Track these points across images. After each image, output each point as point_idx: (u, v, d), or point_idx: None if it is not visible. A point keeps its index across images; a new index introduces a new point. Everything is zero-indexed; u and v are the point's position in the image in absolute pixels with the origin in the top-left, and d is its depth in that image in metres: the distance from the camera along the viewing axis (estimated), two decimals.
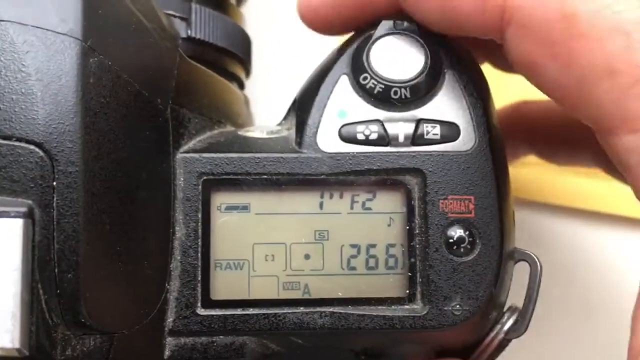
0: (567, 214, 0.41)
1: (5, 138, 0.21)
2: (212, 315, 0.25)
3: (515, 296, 0.27)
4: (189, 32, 0.30)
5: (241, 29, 0.34)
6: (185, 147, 0.26)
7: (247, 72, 0.36)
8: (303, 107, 0.27)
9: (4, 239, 0.20)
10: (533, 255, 0.27)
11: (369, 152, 0.26)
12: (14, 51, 0.21)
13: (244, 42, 0.34)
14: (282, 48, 0.43)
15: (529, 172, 0.40)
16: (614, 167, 0.25)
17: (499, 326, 0.26)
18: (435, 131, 0.26)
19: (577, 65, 0.22)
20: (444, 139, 0.26)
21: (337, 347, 0.26)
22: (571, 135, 0.33)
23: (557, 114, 0.33)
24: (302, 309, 0.25)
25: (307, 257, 0.26)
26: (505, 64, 0.31)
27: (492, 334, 0.26)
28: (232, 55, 0.33)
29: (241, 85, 0.35)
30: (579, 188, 0.40)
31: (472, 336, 0.26)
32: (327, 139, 0.26)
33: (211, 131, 0.27)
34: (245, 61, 0.34)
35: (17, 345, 0.20)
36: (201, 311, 0.25)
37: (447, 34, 0.26)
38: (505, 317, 0.26)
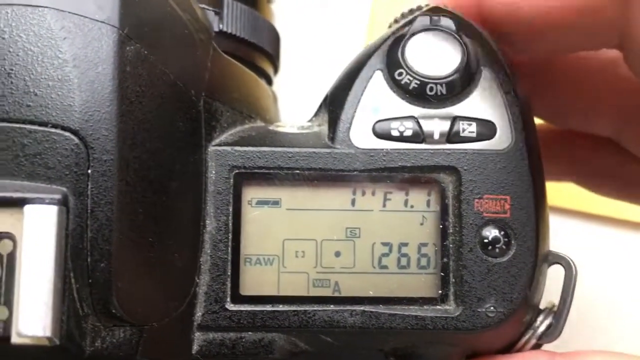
0: (580, 219, 0.40)
1: (41, 124, 0.20)
2: (241, 311, 0.24)
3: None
4: (221, 26, 0.29)
5: (271, 25, 0.34)
6: (217, 140, 0.25)
7: (276, 68, 0.35)
8: (336, 103, 0.26)
9: (38, 226, 0.20)
10: (568, 259, 0.26)
11: (403, 149, 0.25)
12: (52, 37, 0.21)
13: (274, 39, 0.34)
14: (309, 46, 0.43)
15: None
16: None
17: (532, 330, 0.26)
18: (471, 129, 0.25)
19: None
20: (479, 137, 0.25)
21: (366, 346, 0.25)
22: (622, 174, 0.32)
23: (609, 150, 0.32)
24: (332, 307, 0.24)
25: (337, 254, 0.25)
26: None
27: (525, 338, 0.26)
28: (262, 51, 0.33)
29: (269, 82, 0.35)
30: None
31: (505, 339, 0.25)
32: (361, 134, 0.26)
33: (242, 125, 0.27)
34: (273, 57, 0.34)
35: (48, 334, 0.20)
36: (230, 306, 0.24)
37: (534, 48, 0.25)
38: (539, 321, 0.26)
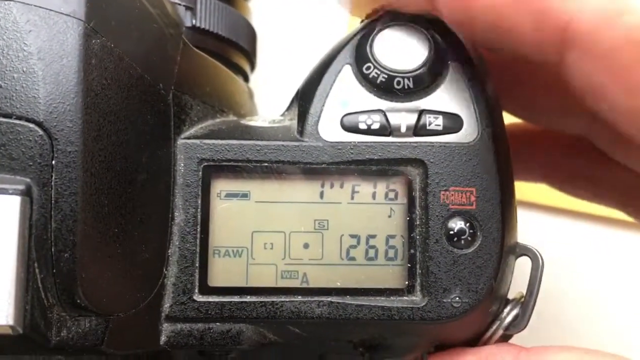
0: (564, 216, 0.41)
1: (5, 116, 0.21)
2: (209, 302, 0.24)
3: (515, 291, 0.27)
4: (194, 21, 0.30)
5: (247, 21, 0.34)
6: (186, 134, 0.26)
7: (252, 65, 0.36)
8: (305, 97, 0.26)
9: (1, 216, 0.20)
10: (535, 250, 0.26)
11: (371, 142, 0.26)
12: (17, 30, 0.21)
13: (250, 35, 0.34)
14: (288, 43, 0.43)
15: None
16: None
17: (498, 321, 0.26)
18: (437, 122, 0.26)
19: None
20: (446, 130, 0.26)
21: (335, 337, 0.26)
22: (595, 178, 0.32)
23: (582, 152, 0.32)
24: (299, 298, 0.25)
25: (306, 246, 0.25)
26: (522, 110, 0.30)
27: (492, 329, 0.26)
28: (237, 47, 0.33)
29: (246, 78, 0.35)
30: None
31: (471, 329, 0.26)
32: (329, 128, 0.26)
33: (213, 119, 0.27)
34: (250, 53, 0.34)
35: (10, 322, 0.20)
36: (198, 297, 0.24)
37: (498, 50, 0.25)
38: (506, 312, 0.26)
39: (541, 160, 0.33)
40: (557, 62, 0.23)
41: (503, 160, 0.26)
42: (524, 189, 0.37)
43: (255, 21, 0.35)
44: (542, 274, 0.26)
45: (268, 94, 0.38)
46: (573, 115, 0.30)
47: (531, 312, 0.26)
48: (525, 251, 0.27)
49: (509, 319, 0.26)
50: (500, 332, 0.26)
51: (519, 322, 0.26)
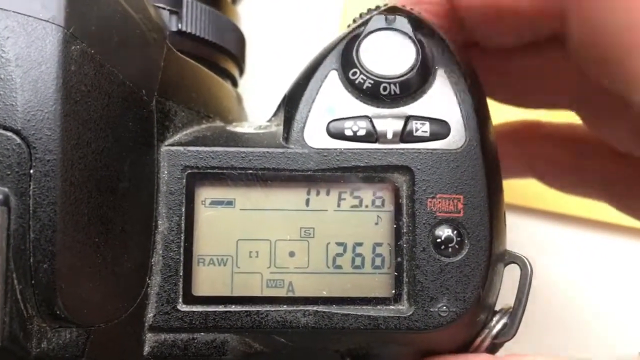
0: (558, 221, 0.40)
1: None
2: (194, 312, 0.24)
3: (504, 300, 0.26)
4: (180, 25, 0.29)
5: (235, 26, 0.33)
6: (170, 140, 0.25)
7: (241, 70, 0.35)
8: (291, 103, 0.26)
9: None
10: (524, 258, 0.26)
11: (357, 149, 0.25)
12: None
13: (238, 40, 0.34)
14: (278, 47, 0.43)
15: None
16: (623, 202, 0.24)
17: (487, 330, 0.26)
18: (424, 128, 0.25)
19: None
20: (433, 137, 0.25)
21: (321, 347, 0.25)
22: (579, 165, 0.32)
23: (567, 140, 0.32)
24: (285, 307, 0.24)
25: (292, 254, 0.25)
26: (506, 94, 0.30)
27: (480, 338, 0.26)
28: (225, 52, 0.32)
29: (234, 83, 0.35)
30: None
31: (459, 338, 0.25)
32: (315, 134, 0.25)
33: (199, 125, 0.27)
34: (238, 58, 0.34)
35: None
36: (182, 307, 0.24)
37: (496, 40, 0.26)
38: (494, 321, 0.26)
39: (525, 153, 0.34)
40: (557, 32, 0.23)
41: (491, 167, 0.26)
42: (512, 193, 0.37)
43: (245, 25, 0.35)
44: (530, 281, 0.26)
45: (258, 99, 0.37)
46: (559, 93, 0.31)
47: (520, 320, 0.26)
48: (514, 259, 0.26)
49: (497, 327, 0.26)
50: (489, 340, 0.26)
51: (508, 331, 0.26)
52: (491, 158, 0.26)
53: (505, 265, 0.26)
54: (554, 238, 0.40)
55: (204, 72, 0.29)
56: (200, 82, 0.29)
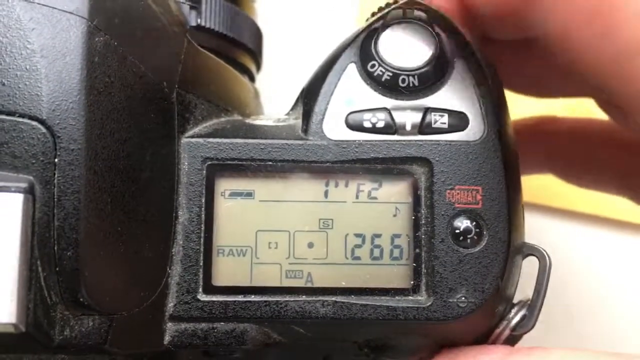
0: (568, 217, 0.40)
1: (8, 114, 0.21)
2: (213, 301, 0.24)
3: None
4: (199, 20, 0.30)
5: (252, 21, 0.34)
6: (190, 132, 0.26)
7: (258, 65, 0.36)
8: (310, 95, 0.26)
9: (3, 214, 0.20)
10: (542, 250, 0.26)
11: (376, 141, 0.25)
12: (20, 28, 0.21)
13: (255, 35, 0.34)
14: (294, 42, 0.43)
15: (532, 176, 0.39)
16: None
17: (505, 321, 0.26)
18: (443, 120, 0.25)
19: (614, 37, 0.21)
20: (452, 129, 0.25)
21: (339, 338, 0.25)
22: (597, 159, 0.32)
23: (584, 135, 0.32)
24: (304, 298, 0.25)
25: (310, 245, 0.25)
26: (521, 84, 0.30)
27: (498, 329, 0.26)
28: (242, 47, 0.33)
29: (251, 78, 0.35)
30: (581, 191, 0.40)
31: (477, 330, 0.25)
32: (334, 126, 0.26)
33: (218, 118, 0.27)
34: (255, 53, 0.34)
35: (13, 320, 0.20)
36: (202, 297, 0.24)
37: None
38: (513, 312, 0.26)
39: (542, 149, 0.34)
40: (527, 12, 0.23)
41: (509, 158, 0.26)
42: (528, 190, 0.37)
43: (261, 21, 0.35)
44: (549, 274, 0.26)
45: (274, 94, 0.38)
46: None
47: (538, 312, 0.26)
48: (533, 251, 0.26)
49: (516, 319, 0.26)
50: (507, 332, 0.26)
51: (526, 323, 0.26)
52: (510, 149, 0.26)
53: (524, 257, 0.26)
54: (567, 235, 0.40)
55: (223, 66, 0.30)
56: (219, 75, 0.29)
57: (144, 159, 0.23)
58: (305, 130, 0.26)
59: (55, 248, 0.21)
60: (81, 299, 0.21)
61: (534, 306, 0.26)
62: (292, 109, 0.28)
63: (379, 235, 0.25)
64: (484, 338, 0.26)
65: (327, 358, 0.27)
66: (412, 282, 0.25)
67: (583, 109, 0.32)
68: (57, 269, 0.21)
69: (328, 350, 0.27)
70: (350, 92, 0.26)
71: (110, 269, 0.22)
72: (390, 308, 0.24)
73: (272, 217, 0.25)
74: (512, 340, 0.26)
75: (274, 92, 0.38)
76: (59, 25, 0.21)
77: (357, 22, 0.43)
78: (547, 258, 0.26)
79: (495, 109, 0.26)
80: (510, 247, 0.25)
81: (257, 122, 0.27)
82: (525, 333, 0.26)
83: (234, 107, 0.29)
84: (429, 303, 0.24)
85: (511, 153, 0.26)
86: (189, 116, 0.26)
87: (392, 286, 0.25)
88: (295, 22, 0.44)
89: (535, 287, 0.26)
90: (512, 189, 0.25)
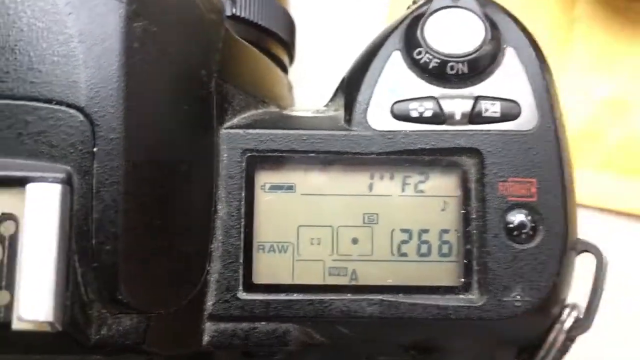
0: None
1: (45, 101, 0.20)
2: (255, 300, 0.23)
3: None
4: (234, 10, 0.29)
5: (286, 11, 0.33)
6: (229, 123, 0.24)
7: (291, 56, 0.34)
8: (352, 85, 0.25)
9: (40, 205, 0.19)
10: (597, 247, 0.25)
11: (423, 131, 0.24)
12: (57, 12, 0.20)
13: (288, 26, 0.33)
14: (328, 35, 0.42)
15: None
16: None
17: (559, 324, 0.24)
18: (494, 109, 0.24)
19: None
20: (504, 118, 0.24)
21: (384, 338, 0.24)
22: None
23: None
24: (349, 296, 0.23)
25: (355, 241, 0.24)
26: None
27: (554, 332, 0.24)
28: (276, 38, 0.32)
29: (284, 70, 0.34)
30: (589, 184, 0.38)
31: (531, 332, 0.24)
32: (379, 116, 0.24)
33: (255, 109, 0.26)
34: (288, 44, 0.33)
35: (50, 319, 0.19)
36: (243, 295, 0.23)
37: None
38: (566, 314, 0.24)
39: None
40: None
41: (564, 149, 0.24)
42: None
43: (293, 13, 0.34)
44: (605, 271, 0.24)
45: (305, 88, 0.36)
46: None
47: (595, 313, 0.24)
48: (588, 247, 0.25)
49: (570, 320, 0.24)
50: (563, 335, 0.24)
51: (582, 324, 0.24)
52: (564, 140, 0.24)
53: (578, 254, 0.25)
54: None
55: (259, 56, 0.29)
56: (256, 66, 0.28)
57: (183, 150, 0.22)
58: (349, 120, 0.25)
59: (93, 242, 0.20)
60: (119, 297, 0.20)
61: (590, 306, 0.24)
62: (331, 100, 0.27)
63: (426, 231, 0.24)
64: (538, 341, 0.24)
65: (370, 358, 0.26)
66: (462, 280, 0.24)
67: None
68: (95, 264, 0.20)
69: (371, 351, 0.26)
70: (395, 81, 0.25)
71: (149, 265, 0.21)
72: (441, 307, 0.23)
73: (315, 212, 0.24)
74: (568, 342, 0.25)
75: (304, 85, 0.36)
76: (96, 10, 0.20)
77: (390, 14, 0.42)
78: (603, 255, 0.25)
79: (549, 97, 0.24)
80: (567, 243, 0.24)
81: (296, 113, 0.26)
82: (581, 334, 0.24)
83: (270, 98, 0.28)
84: (482, 302, 0.23)
85: (565, 143, 0.24)
86: (227, 106, 0.25)
87: (441, 284, 0.24)
88: (325, 14, 0.43)
89: (593, 286, 0.24)
90: (567, 181, 0.24)
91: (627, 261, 0.38)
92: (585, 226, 0.38)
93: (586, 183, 0.39)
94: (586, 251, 0.25)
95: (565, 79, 0.39)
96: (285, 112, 0.26)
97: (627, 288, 0.38)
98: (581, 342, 0.24)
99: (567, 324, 0.24)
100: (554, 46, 0.41)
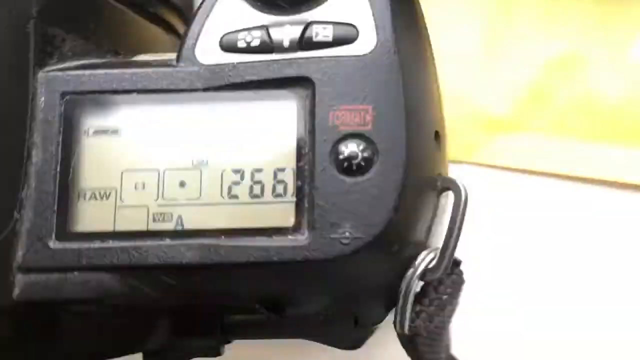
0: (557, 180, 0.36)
1: None
2: (66, 249, 0.21)
3: None
4: None
5: None
6: (52, 67, 0.23)
7: (186, 20, 0.33)
8: (187, 22, 0.23)
9: None
10: (458, 183, 0.22)
11: (251, 62, 0.22)
12: None
13: None
14: None
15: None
16: None
17: (412, 268, 0.22)
18: (325, 33, 0.22)
19: None
20: (337, 42, 0.22)
21: (212, 289, 0.22)
22: None
23: None
24: (168, 241, 0.21)
25: (182, 184, 0.22)
26: None
27: (406, 278, 0.22)
28: (166, 3, 0.30)
29: (174, 32, 0.32)
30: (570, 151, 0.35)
31: (377, 276, 0.21)
32: (207, 50, 0.23)
33: (98, 58, 0.25)
34: (183, 11, 0.32)
35: None
36: (54, 244, 0.21)
37: None
38: (421, 257, 0.22)
39: None
40: None
41: (409, 74, 0.22)
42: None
43: None
44: (465, 209, 0.22)
45: None
46: None
47: (451, 254, 0.21)
48: (449, 184, 0.22)
49: (423, 264, 0.21)
50: (416, 280, 0.22)
51: (436, 266, 0.21)
52: (408, 63, 0.22)
53: (439, 192, 0.22)
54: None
55: (117, 8, 0.27)
56: (108, 16, 0.27)
57: None
58: (177, 57, 0.23)
59: None
60: None
61: (445, 247, 0.21)
62: None
63: (259, 170, 0.22)
64: (392, 289, 0.22)
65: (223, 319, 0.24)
66: (293, 220, 0.21)
67: None
68: None
69: (219, 306, 0.23)
70: (227, 13, 0.23)
71: None
72: (263, 248, 0.21)
73: (140, 156, 0.22)
74: (429, 291, 0.22)
75: None
76: None
77: None
78: (462, 192, 0.22)
79: (392, 15, 0.22)
80: (409, 176, 0.21)
81: (136, 58, 0.25)
82: (434, 279, 0.22)
83: (130, 52, 0.26)
84: (308, 241, 0.21)
85: (410, 68, 0.22)
86: (52, 50, 0.23)
87: (272, 225, 0.21)
88: None
89: (449, 225, 0.22)
90: (415, 109, 0.22)
91: (571, 224, 0.35)
92: (543, 193, 0.36)
93: (538, 147, 0.37)
94: (447, 189, 0.22)
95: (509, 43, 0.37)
96: (127, 58, 0.25)
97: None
98: None
99: (421, 267, 0.21)
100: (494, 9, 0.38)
